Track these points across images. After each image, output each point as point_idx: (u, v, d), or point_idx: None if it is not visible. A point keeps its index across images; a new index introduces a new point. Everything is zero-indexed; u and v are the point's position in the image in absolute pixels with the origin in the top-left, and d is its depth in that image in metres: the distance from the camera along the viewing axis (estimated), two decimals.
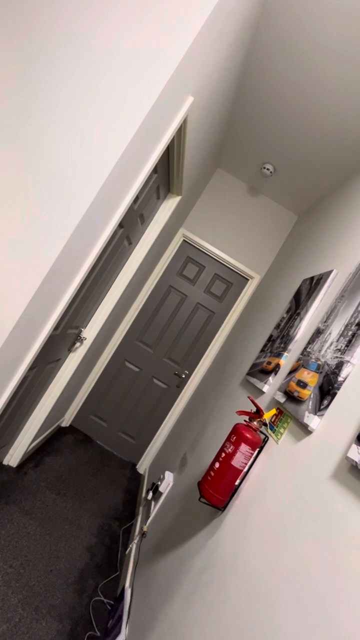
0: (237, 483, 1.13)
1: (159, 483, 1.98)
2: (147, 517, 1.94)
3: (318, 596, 0.65)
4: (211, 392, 2.33)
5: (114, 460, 2.80)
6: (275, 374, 1.46)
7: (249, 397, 1.33)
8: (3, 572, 1.40)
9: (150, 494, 2.05)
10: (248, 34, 1.58)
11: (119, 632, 1.29)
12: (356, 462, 0.71)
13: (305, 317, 1.47)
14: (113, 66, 1.10)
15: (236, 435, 1.12)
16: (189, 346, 3.00)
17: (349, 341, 1.02)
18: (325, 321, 1.26)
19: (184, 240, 3.01)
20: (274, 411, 1.25)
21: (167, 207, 2.21)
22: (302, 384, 1.14)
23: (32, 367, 1.62)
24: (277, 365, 1.47)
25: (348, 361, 0.97)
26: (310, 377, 1.12)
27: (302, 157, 2.27)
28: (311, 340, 1.29)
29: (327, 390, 0.99)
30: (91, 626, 1.41)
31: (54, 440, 2.54)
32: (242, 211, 3.03)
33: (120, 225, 1.65)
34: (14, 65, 1.09)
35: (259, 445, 1.13)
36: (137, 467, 2.88)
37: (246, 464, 1.11)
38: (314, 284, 1.60)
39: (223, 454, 1.12)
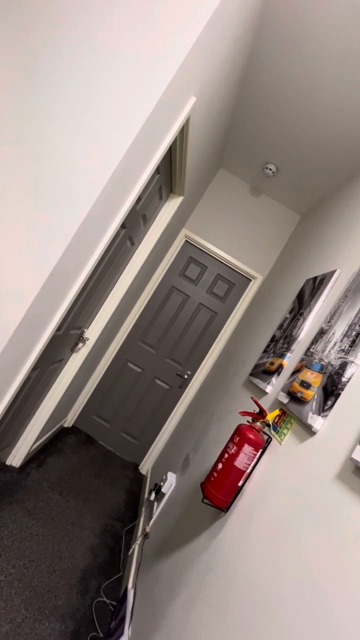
0: (240, 484, 1.13)
1: (162, 484, 1.98)
2: (150, 518, 1.94)
3: (321, 598, 0.65)
4: (214, 392, 2.32)
5: (117, 461, 2.80)
6: (279, 375, 1.45)
7: (252, 398, 1.33)
8: (6, 573, 1.40)
9: (153, 494, 2.05)
10: (250, 34, 1.58)
11: (121, 633, 1.29)
12: None
13: (308, 318, 1.47)
14: (115, 67, 1.10)
15: (239, 436, 1.12)
16: (191, 347, 3.00)
17: (353, 341, 1.01)
18: (328, 321, 1.25)
19: (186, 240, 3.01)
20: (277, 412, 1.24)
21: (170, 208, 2.21)
22: (306, 385, 1.14)
23: (35, 367, 1.62)
24: (280, 366, 1.46)
25: (352, 362, 0.96)
26: (314, 378, 1.12)
27: (304, 157, 2.26)
28: (314, 341, 1.28)
29: (331, 390, 0.99)
30: (94, 627, 1.41)
31: (57, 440, 2.55)
32: (245, 211, 3.03)
33: (123, 225, 1.65)
34: (16, 68, 1.10)
35: (262, 446, 1.12)
36: (139, 467, 2.88)
37: (249, 465, 1.11)
38: (317, 284, 1.60)
39: (226, 455, 1.12)
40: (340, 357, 1.03)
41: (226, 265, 3.02)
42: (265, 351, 1.78)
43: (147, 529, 1.82)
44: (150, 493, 2.16)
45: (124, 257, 2.03)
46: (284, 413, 1.22)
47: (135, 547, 1.85)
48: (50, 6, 1.10)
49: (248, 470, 1.12)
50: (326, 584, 0.66)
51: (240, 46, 1.55)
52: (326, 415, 0.95)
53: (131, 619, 1.36)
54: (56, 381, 2.14)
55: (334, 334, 1.15)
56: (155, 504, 1.99)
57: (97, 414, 2.95)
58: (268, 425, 1.25)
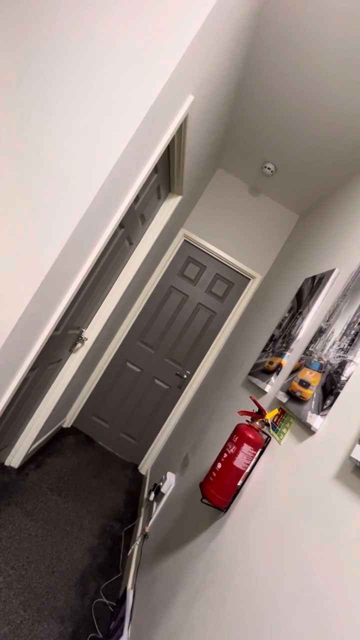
0: (239, 484, 1.12)
1: (161, 484, 1.97)
2: (149, 518, 1.93)
3: (320, 598, 0.64)
4: (213, 392, 2.32)
5: (116, 461, 2.79)
6: (278, 374, 1.45)
7: (251, 397, 1.32)
8: (5, 574, 1.39)
9: (152, 495, 2.05)
10: (249, 33, 1.58)
11: (121, 634, 1.28)
12: None
13: (307, 317, 1.46)
14: (113, 65, 1.10)
15: (238, 436, 1.11)
16: (190, 346, 2.99)
17: (352, 340, 1.01)
18: (327, 320, 1.25)
19: (184, 240, 3.01)
20: (276, 411, 1.24)
21: (168, 207, 2.20)
22: (305, 384, 1.13)
23: (33, 367, 1.62)
24: (279, 365, 1.46)
25: (351, 360, 0.96)
26: (313, 377, 1.11)
27: (303, 156, 2.26)
28: (313, 340, 1.28)
29: (330, 389, 0.98)
30: (93, 628, 1.41)
31: (56, 441, 2.54)
32: (243, 211, 3.03)
33: (121, 225, 1.65)
34: (13, 66, 1.09)
35: (261, 446, 1.12)
36: (138, 468, 2.88)
37: (248, 464, 1.10)
38: (315, 283, 1.59)
39: (225, 455, 1.11)
40: (339, 356, 1.02)
41: (225, 264, 3.01)
42: (264, 350, 1.78)
43: (147, 530, 1.82)
44: (149, 493, 2.16)
45: (122, 257, 2.02)
46: (283, 412, 1.22)
47: (135, 548, 1.84)
48: (48, 3, 1.10)
49: (247, 470, 1.12)
50: (325, 583, 0.65)
51: (238, 45, 1.55)
52: (325, 415, 0.95)
53: (130, 619, 1.36)
54: (55, 381, 2.13)
55: (332, 332, 1.15)
56: (155, 504, 1.98)
57: (96, 414, 2.95)
58: (267, 425, 1.25)
